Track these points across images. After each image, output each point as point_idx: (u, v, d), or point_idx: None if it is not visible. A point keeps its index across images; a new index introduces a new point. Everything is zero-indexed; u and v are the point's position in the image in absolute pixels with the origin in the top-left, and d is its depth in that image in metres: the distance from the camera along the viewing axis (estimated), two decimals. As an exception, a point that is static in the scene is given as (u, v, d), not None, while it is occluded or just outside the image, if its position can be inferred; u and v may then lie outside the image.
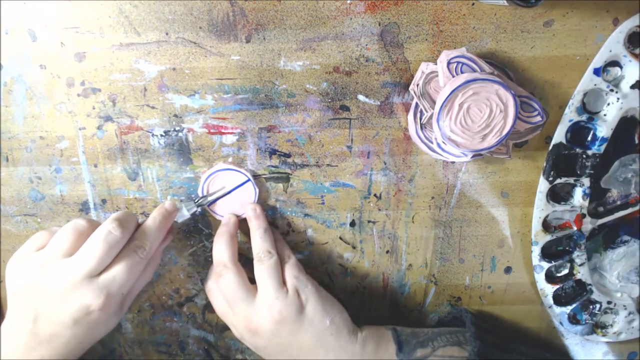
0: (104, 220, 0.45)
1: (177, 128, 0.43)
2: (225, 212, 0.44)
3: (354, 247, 0.47)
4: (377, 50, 0.40)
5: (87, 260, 0.37)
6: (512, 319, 0.50)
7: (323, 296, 0.42)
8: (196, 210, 0.43)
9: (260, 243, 0.42)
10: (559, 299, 0.48)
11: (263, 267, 0.41)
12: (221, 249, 0.42)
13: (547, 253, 0.46)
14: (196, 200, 0.43)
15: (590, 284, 0.47)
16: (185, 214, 0.43)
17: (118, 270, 0.37)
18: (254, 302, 0.40)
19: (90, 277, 0.37)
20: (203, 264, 0.47)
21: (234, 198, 0.44)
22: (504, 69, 0.41)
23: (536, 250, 0.46)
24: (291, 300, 0.40)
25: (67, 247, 0.38)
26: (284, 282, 0.41)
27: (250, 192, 0.44)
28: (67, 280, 0.36)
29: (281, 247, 0.44)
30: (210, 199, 0.43)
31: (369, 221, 0.46)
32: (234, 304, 0.41)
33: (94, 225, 0.39)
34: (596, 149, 0.42)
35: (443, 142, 0.40)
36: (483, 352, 0.41)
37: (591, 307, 0.48)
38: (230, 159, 0.44)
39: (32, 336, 0.37)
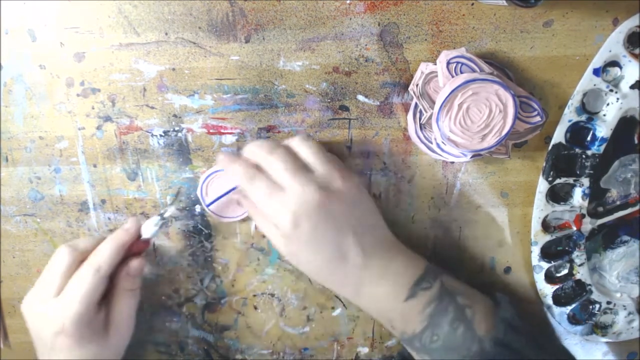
0: (104, 220, 0.45)
1: (177, 128, 0.43)
2: (225, 212, 0.44)
3: (353, 247, 0.47)
4: (377, 51, 0.40)
5: (44, 285, 0.40)
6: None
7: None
8: (162, 223, 0.43)
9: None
10: (558, 299, 0.48)
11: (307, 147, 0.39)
12: (243, 163, 0.39)
13: (547, 253, 0.46)
14: (160, 212, 0.43)
15: (589, 284, 0.47)
16: (152, 227, 0.42)
17: (69, 288, 0.39)
18: (283, 193, 0.38)
19: (52, 299, 0.39)
20: (203, 264, 0.47)
21: (233, 198, 0.44)
22: (504, 69, 0.41)
23: (536, 251, 0.46)
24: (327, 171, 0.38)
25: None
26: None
27: None
28: (37, 306, 0.40)
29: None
30: (172, 208, 0.43)
31: (368, 221, 0.46)
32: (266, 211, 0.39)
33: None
34: (596, 149, 0.42)
35: (442, 142, 0.40)
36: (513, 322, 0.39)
37: (591, 307, 0.48)
38: (229, 159, 0.44)
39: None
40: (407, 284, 0.39)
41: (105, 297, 0.41)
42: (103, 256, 0.40)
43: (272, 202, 0.38)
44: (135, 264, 0.41)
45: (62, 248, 0.40)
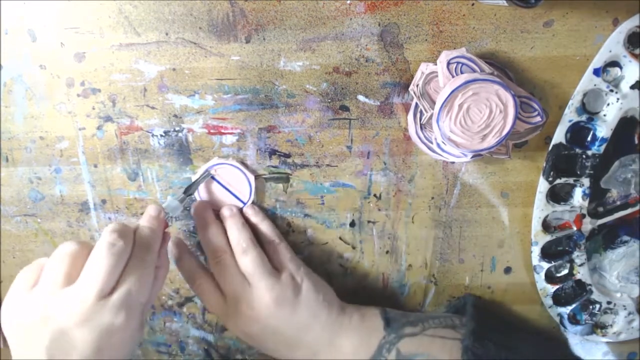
0: (105, 220, 0.45)
1: (177, 128, 0.43)
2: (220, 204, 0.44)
3: (353, 248, 0.47)
4: (377, 51, 0.40)
5: (94, 281, 0.33)
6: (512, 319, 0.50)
7: (313, 274, 0.43)
8: (185, 198, 0.42)
9: (237, 235, 0.42)
10: (558, 299, 0.48)
11: (248, 258, 0.41)
12: (215, 237, 0.42)
13: (547, 253, 0.46)
14: (184, 189, 0.43)
15: (590, 284, 0.47)
16: (176, 204, 0.41)
17: (131, 282, 0.34)
18: (250, 290, 0.40)
19: (102, 298, 0.33)
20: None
21: (230, 191, 0.44)
22: (504, 70, 0.41)
23: (536, 251, 0.46)
24: (287, 284, 0.40)
25: (64, 274, 0.34)
26: (275, 267, 0.41)
27: (244, 183, 0.44)
28: (78, 309, 0.32)
29: (271, 231, 0.44)
30: (195, 184, 0.43)
31: (368, 221, 0.46)
32: (230, 293, 0.41)
33: (85, 245, 0.36)
34: (596, 149, 0.42)
35: (443, 143, 0.40)
36: (479, 333, 0.41)
37: (591, 307, 0.48)
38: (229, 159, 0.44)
39: None
40: None
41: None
42: (151, 242, 0.37)
43: (235, 289, 0.40)
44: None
45: (112, 234, 0.35)
